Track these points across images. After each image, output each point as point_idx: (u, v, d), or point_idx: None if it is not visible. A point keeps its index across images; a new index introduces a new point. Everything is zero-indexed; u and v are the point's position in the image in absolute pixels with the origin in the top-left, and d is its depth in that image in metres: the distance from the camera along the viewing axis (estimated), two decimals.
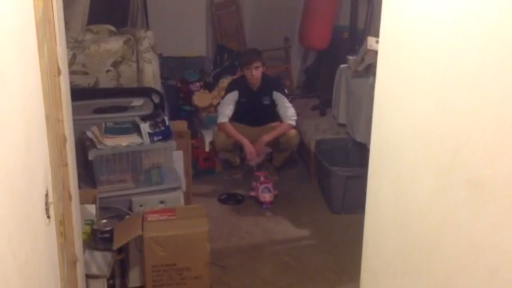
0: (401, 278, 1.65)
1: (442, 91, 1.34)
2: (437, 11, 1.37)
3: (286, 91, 4.48)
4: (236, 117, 4.35)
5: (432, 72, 1.39)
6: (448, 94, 1.32)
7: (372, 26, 5.14)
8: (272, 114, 4.37)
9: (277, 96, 4.32)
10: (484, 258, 1.20)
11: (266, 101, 4.33)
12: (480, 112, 1.19)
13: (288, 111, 4.29)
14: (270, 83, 4.39)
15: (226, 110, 4.30)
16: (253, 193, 4.12)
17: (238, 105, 4.33)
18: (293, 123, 4.30)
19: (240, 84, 4.40)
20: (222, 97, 4.49)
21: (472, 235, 1.23)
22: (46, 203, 1.46)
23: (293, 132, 4.28)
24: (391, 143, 1.64)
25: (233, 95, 4.34)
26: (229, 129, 4.25)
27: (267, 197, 4.03)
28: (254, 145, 4.22)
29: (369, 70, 3.82)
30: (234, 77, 5.12)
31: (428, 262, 1.43)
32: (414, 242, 1.51)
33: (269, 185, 4.07)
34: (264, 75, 4.33)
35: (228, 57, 5.56)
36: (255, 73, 4.23)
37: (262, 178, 4.13)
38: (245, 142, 4.21)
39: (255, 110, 4.34)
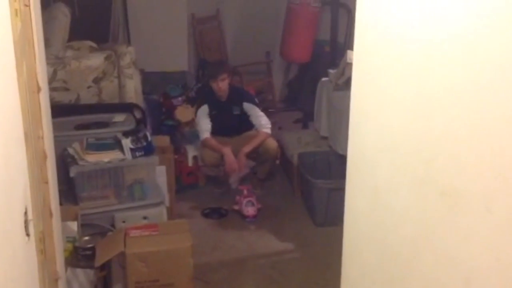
0: None
1: (414, 103, 1.37)
2: (409, 24, 1.40)
3: (256, 100, 4.52)
4: (212, 131, 4.34)
5: (404, 84, 1.42)
6: (420, 106, 1.35)
7: (351, 40, 5.19)
8: (245, 123, 4.39)
9: (248, 106, 4.35)
10: (458, 268, 1.22)
11: (236, 111, 4.35)
12: (452, 124, 1.21)
13: (262, 120, 4.32)
14: (239, 94, 4.43)
15: (205, 125, 4.30)
16: (236, 207, 4.12)
17: (210, 118, 4.34)
18: (269, 131, 4.31)
19: (208, 97, 4.42)
20: (195, 114, 4.48)
21: (447, 245, 1.25)
22: (26, 221, 1.45)
23: (270, 141, 4.28)
24: (367, 156, 1.66)
25: (204, 109, 4.35)
26: (212, 143, 4.24)
27: (250, 210, 4.03)
28: (236, 158, 4.22)
29: (350, 83, 3.84)
30: None
31: (405, 273, 1.45)
32: (390, 254, 1.53)
33: (252, 199, 4.08)
34: (230, 86, 4.36)
35: None
36: (222, 85, 4.26)
37: (245, 192, 4.13)
38: (226, 151, 4.19)
39: (227, 121, 4.36)
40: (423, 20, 1.33)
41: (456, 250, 1.22)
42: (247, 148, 4.21)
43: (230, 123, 4.38)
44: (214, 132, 4.34)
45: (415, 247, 1.39)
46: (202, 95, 4.62)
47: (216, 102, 4.35)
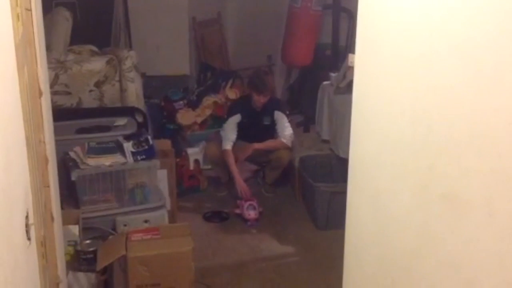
0: None
1: (415, 107, 1.37)
2: (410, 28, 1.40)
3: (287, 112, 4.54)
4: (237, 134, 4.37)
5: (405, 88, 1.42)
6: (421, 110, 1.35)
7: (353, 43, 5.18)
8: (271, 134, 4.42)
9: (278, 115, 4.38)
10: (460, 271, 1.22)
11: (266, 121, 4.39)
12: (453, 127, 1.21)
13: (286, 130, 4.34)
14: (272, 104, 4.44)
15: (230, 134, 4.32)
16: (238, 211, 4.12)
17: (240, 124, 4.36)
18: (289, 143, 4.32)
19: (243, 105, 4.44)
20: (226, 118, 4.47)
21: (449, 249, 1.25)
22: (27, 225, 1.45)
23: (285, 153, 4.31)
24: (368, 159, 1.66)
25: (236, 118, 4.36)
26: (228, 158, 4.25)
27: (252, 214, 4.03)
28: (243, 148, 4.25)
29: (351, 86, 3.84)
30: (218, 95, 5.17)
31: (407, 277, 1.44)
32: (392, 258, 1.53)
33: (254, 203, 4.08)
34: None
35: (212, 75, 5.58)
36: (263, 100, 4.30)
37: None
38: (238, 177, 4.24)
39: (255, 130, 4.38)
40: (425, 24, 1.33)
41: (458, 254, 1.22)
42: (258, 145, 4.27)
43: (257, 133, 4.39)
44: (238, 136, 4.36)
45: (417, 251, 1.39)
46: (238, 102, 4.67)
47: (250, 110, 4.38)
